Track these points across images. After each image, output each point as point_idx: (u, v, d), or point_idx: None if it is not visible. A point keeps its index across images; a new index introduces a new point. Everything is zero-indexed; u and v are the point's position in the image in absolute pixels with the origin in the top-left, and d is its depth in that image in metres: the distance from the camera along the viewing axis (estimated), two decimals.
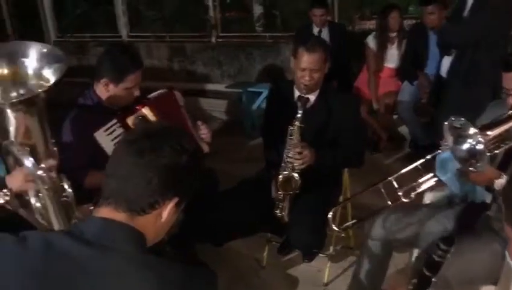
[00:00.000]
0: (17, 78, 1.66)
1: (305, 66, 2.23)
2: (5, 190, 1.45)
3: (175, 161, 1.03)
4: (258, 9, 5.88)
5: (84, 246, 0.97)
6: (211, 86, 5.82)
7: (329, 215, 1.97)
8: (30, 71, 1.66)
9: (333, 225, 1.96)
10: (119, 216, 1.02)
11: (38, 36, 6.86)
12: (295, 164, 2.18)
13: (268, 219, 2.33)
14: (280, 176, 2.20)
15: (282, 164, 2.22)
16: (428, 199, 2.13)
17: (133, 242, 1.00)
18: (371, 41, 4.12)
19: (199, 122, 2.48)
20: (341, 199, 2.49)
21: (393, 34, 4.08)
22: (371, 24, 5.18)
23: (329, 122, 2.33)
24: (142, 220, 1.03)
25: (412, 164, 1.88)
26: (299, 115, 2.14)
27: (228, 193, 2.47)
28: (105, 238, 0.98)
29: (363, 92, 4.20)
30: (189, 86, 5.82)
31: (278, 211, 2.26)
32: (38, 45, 1.68)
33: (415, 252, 2.00)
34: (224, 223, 2.35)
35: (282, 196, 2.23)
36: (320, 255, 2.50)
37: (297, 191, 2.21)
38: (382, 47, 4.09)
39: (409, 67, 3.97)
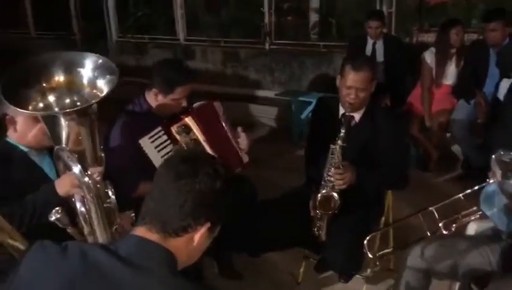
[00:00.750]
0: (73, 87, 1.74)
1: (351, 85, 2.20)
2: (57, 208, 1.53)
3: (209, 186, 1.07)
4: (313, 17, 5.85)
5: (117, 262, 1.01)
6: (261, 92, 5.86)
7: (365, 241, 1.92)
8: (85, 81, 1.74)
9: (368, 253, 1.91)
10: (154, 237, 1.06)
11: (102, 36, 7.18)
12: (335, 184, 2.16)
13: (306, 236, 2.32)
14: (319, 195, 2.18)
15: (322, 182, 2.20)
16: (472, 229, 2.04)
17: (165, 263, 1.04)
18: (428, 57, 3.99)
19: (239, 129, 2.51)
20: (383, 220, 2.45)
21: (454, 50, 3.93)
22: (429, 37, 5.03)
23: (374, 142, 2.29)
24: (175, 242, 1.07)
25: (462, 185, 1.83)
26: (341, 134, 2.12)
27: (267, 204, 2.49)
28: (139, 257, 1.02)
29: (415, 107, 4.09)
30: (240, 91, 5.90)
31: (315, 229, 2.25)
32: (95, 56, 1.76)
33: (457, 286, 1.92)
34: (261, 234, 2.37)
35: (320, 215, 2.21)
36: (358, 276, 2.46)
37: (336, 211, 2.18)
38: (441, 63, 3.94)
39: (467, 85, 3.81)
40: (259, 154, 4.40)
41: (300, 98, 5.03)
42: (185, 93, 2.27)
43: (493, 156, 1.52)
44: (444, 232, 1.73)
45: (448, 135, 4.16)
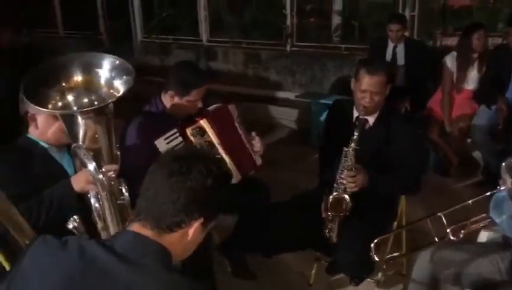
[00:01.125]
0: (91, 86, 1.80)
1: (365, 88, 2.21)
2: (75, 217, 1.59)
3: (200, 183, 1.10)
4: (336, 19, 5.84)
5: (114, 257, 1.05)
6: (282, 94, 5.87)
7: (372, 245, 1.93)
8: (102, 81, 1.81)
9: (375, 256, 1.92)
10: (148, 233, 1.10)
11: (127, 36, 7.32)
12: (347, 186, 2.17)
13: (317, 238, 2.33)
14: (331, 197, 2.19)
15: (335, 185, 2.22)
16: (484, 236, 2.02)
17: (160, 259, 1.07)
18: (449, 61, 3.94)
19: (253, 134, 2.55)
20: (395, 224, 2.44)
21: (476, 55, 3.88)
22: (453, 40, 4.96)
23: (387, 146, 2.29)
24: (169, 238, 1.11)
25: (482, 191, 1.81)
26: (355, 137, 2.13)
27: (280, 205, 2.51)
28: (134, 253, 1.06)
29: (435, 112, 4.04)
30: (261, 93, 5.93)
31: (326, 231, 2.26)
32: (112, 57, 1.81)
33: None
34: (274, 235, 2.39)
35: (331, 216, 2.22)
36: (369, 280, 2.46)
37: (348, 214, 2.19)
38: (462, 68, 3.89)
39: (489, 90, 3.75)
40: (279, 156, 4.44)
41: (321, 101, 5.03)
42: (200, 95, 2.31)
43: (503, 164, 1.51)
44: (452, 238, 1.72)
45: (469, 140, 4.10)
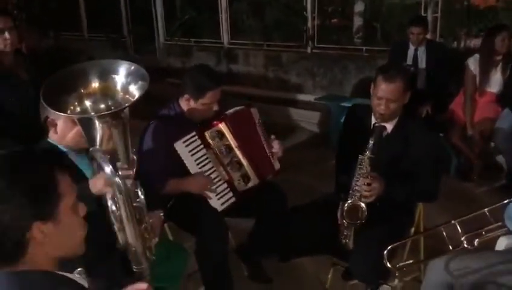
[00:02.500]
0: (107, 92, 1.84)
1: (382, 95, 2.19)
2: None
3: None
4: (358, 21, 5.80)
5: None
6: (302, 97, 5.87)
7: (385, 252, 1.90)
8: (119, 86, 1.84)
9: (388, 263, 1.89)
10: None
11: (150, 38, 7.43)
12: (363, 195, 2.15)
13: (334, 243, 2.32)
14: (346, 204, 2.17)
15: (350, 192, 2.20)
16: (502, 244, 1.98)
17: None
18: (472, 63, 3.87)
19: (273, 137, 2.55)
20: (412, 230, 2.41)
21: (499, 57, 3.80)
22: (478, 42, 4.86)
23: (404, 154, 2.25)
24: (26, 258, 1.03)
25: (505, 196, 1.77)
26: (370, 146, 2.10)
27: (297, 210, 2.51)
28: None
29: (457, 115, 3.98)
30: (281, 95, 5.94)
31: (342, 238, 2.25)
32: (127, 63, 1.85)
33: None
34: (290, 239, 2.40)
35: (347, 224, 2.20)
36: (385, 286, 2.44)
37: (363, 221, 2.17)
38: (485, 70, 3.82)
39: None
40: (298, 159, 4.44)
41: (341, 103, 4.99)
42: (216, 98, 2.33)
43: None
44: (466, 246, 1.69)
45: (492, 144, 4.02)
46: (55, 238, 1.05)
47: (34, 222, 1.02)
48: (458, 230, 1.77)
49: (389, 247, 1.93)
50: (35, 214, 1.02)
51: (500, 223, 1.65)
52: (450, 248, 1.74)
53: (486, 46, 3.81)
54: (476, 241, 1.67)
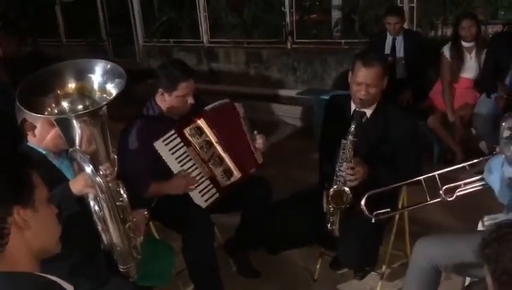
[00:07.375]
0: (84, 92, 1.83)
1: (361, 81, 2.21)
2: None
3: None
4: (336, 15, 5.83)
5: None
6: (284, 92, 5.89)
7: (363, 201, 1.95)
8: (95, 86, 1.83)
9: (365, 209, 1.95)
10: None
11: (129, 41, 7.38)
12: (347, 179, 2.17)
13: (321, 232, 2.33)
14: (331, 190, 2.19)
15: (334, 178, 2.21)
16: (487, 223, 2.01)
17: None
18: (447, 51, 3.93)
19: (256, 132, 2.55)
20: (397, 217, 2.43)
21: (470, 44, 3.85)
22: None
23: (385, 138, 2.29)
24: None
25: None
26: (351, 130, 2.13)
27: (282, 202, 2.51)
28: None
29: (437, 102, 4.02)
30: (263, 91, 5.95)
31: (328, 225, 2.26)
32: (103, 62, 1.83)
33: (467, 281, 1.90)
34: (277, 231, 2.40)
35: (332, 209, 2.22)
36: (373, 273, 2.46)
37: (348, 206, 2.19)
38: (457, 57, 3.88)
39: (488, 79, 3.73)
40: (283, 153, 4.46)
41: (323, 97, 5.02)
42: (189, 89, 2.31)
43: (503, 123, 1.52)
44: (444, 197, 1.71)
45: (473, 130, 4.07)
46: (34, 228, 1.07)
47: (15, 206, 1.04)
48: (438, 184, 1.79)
49: (367, 195, 1.98)
50: (15, 197, 1.05)
51: (479, 177, 1.68)
52: (428, 199, 1.76)
53: (454, 34, 3.90)
54: (455, 194, 1.71)
